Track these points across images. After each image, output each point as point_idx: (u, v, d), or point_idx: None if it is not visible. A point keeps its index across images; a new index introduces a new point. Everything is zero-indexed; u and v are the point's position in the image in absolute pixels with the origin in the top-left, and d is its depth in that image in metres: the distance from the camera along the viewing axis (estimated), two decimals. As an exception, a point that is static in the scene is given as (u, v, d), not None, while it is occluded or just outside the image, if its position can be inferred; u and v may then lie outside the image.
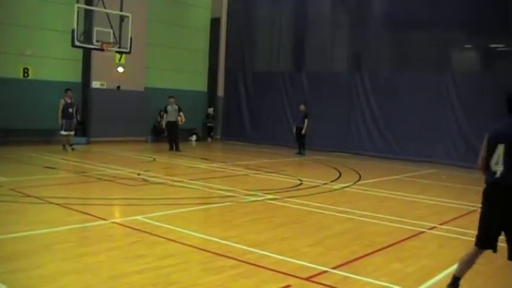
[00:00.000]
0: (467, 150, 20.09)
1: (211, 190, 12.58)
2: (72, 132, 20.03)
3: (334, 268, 6.72)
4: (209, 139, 28.84)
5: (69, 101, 19.70)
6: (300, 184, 14.07)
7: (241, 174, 15.80)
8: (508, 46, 21.41)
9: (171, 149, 21.70)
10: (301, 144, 22.54)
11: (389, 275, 6.56)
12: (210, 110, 29.55)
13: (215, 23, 29.90)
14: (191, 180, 13.98)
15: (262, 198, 11.73)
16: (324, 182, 14.64)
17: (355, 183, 14.82)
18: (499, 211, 5.47)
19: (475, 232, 5.78)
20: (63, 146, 19.90)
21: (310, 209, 10.77)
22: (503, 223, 5.46)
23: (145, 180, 13.63)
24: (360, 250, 7.68)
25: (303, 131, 22.05)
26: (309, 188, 13.54)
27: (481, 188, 5.71)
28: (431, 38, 21.87)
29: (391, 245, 8.14)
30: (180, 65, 28.10)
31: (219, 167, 17.16)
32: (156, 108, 25.80)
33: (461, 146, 20.91)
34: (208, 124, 29.43)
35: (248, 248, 7.48)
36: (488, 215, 5.61)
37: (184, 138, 25.51)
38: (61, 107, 19.52)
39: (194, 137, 27.97)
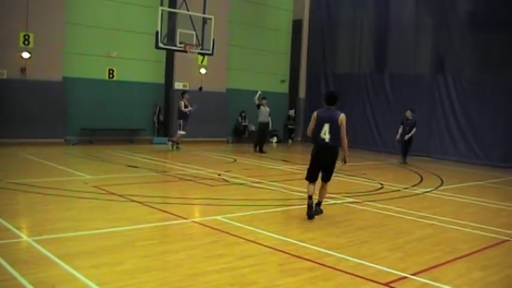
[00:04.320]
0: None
1: (291, 192, 12.60)
2: (185, 132, 20.74)
3: (413, 274, 6.59)
4: (290, 141, 28.89)
5: (187, 103, 20.43)
6: (381, 188, 13.90)
7: (321, 177, 15.70)
8: None
9: (255, 150, 21.83)
10: (405, 152, 20.77)
11: (471, 284, 6.39)
12: (291, 112, 29.57)
13: (297, 24, 29.99)
14: (271, 181, 14.04)
15: (342, 201, 11.65)
16: (405, 186, 14.42)
17: (436, 188, 14.51)
18: (322, 160, 9.76)
19: None
20: (173, 144, 20.62)
21: (390, 213, 10.62)
22: (322, 166, 9.80)
23: (226, 181, 13.78)
24: (441, 256, 7.51)
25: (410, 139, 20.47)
26: (390, 192, 13.35)
27: None
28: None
29: (473, 252, 7.92)
30: (261, 67, 28.28)
31: (299, 169, 17.13)
32: (237, 109, 26.08)
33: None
34: (289, 126, 29.45)
35: (326, 251, 7.45)
36: (317, 163, 9.79)
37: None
38: (181, 108, 20.16)
39: (275, 139, 28.06)
